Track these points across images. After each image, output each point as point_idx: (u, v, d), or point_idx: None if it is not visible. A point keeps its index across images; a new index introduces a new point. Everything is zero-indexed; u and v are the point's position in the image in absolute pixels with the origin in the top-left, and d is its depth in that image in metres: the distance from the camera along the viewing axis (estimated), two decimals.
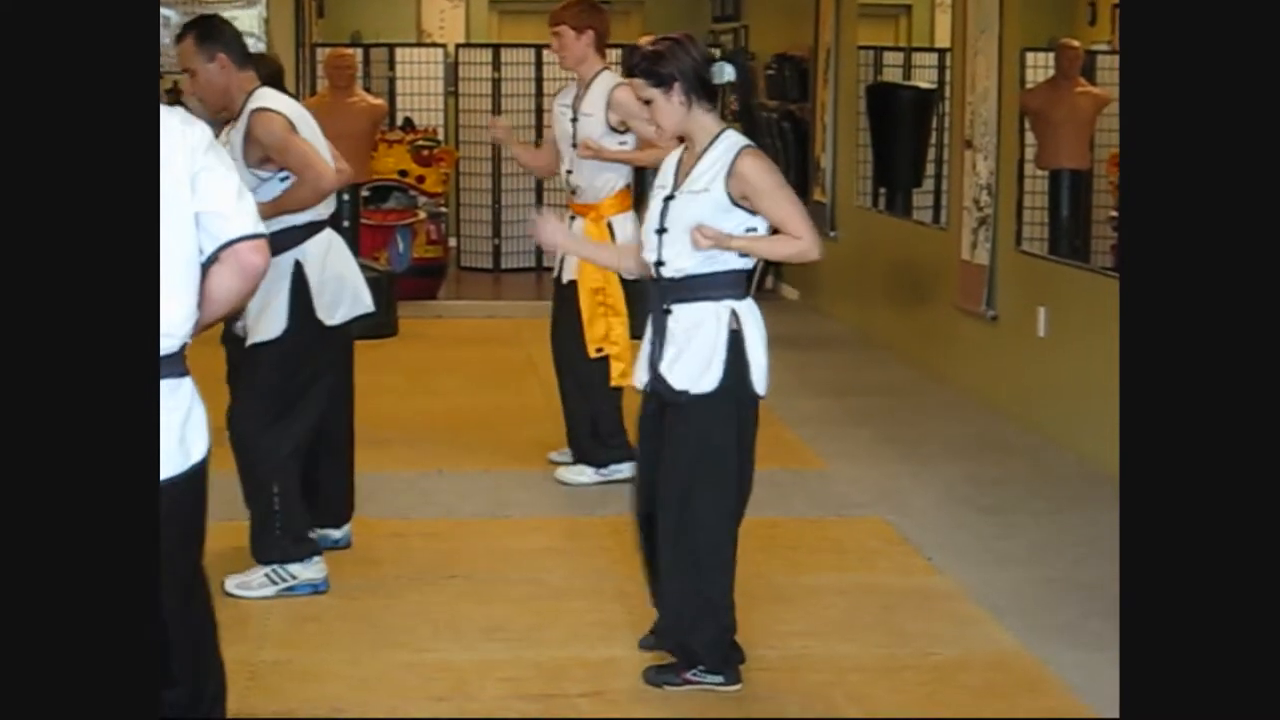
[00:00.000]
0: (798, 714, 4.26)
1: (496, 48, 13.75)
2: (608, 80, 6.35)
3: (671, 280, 4.29)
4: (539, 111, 13.41)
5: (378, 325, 8.50)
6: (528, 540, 5.77)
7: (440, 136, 13.06)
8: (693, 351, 4.24)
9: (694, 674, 4.35)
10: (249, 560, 5.15)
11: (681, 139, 4.38)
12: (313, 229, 5.12)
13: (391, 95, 13.38)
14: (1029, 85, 8.00)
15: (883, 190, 10.70)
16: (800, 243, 4.25)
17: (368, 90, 11.99)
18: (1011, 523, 6.02)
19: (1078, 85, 8.18)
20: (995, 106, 7.95)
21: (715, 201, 4.22)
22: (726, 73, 4.29)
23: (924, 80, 10.60)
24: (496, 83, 13.48)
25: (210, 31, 5.05)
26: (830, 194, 11.11)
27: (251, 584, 5.08)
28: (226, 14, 11.62)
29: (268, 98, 5.06)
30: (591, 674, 4.48)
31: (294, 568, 5.09)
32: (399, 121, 13.00)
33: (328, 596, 5.08)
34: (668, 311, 4.29)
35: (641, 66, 4.29)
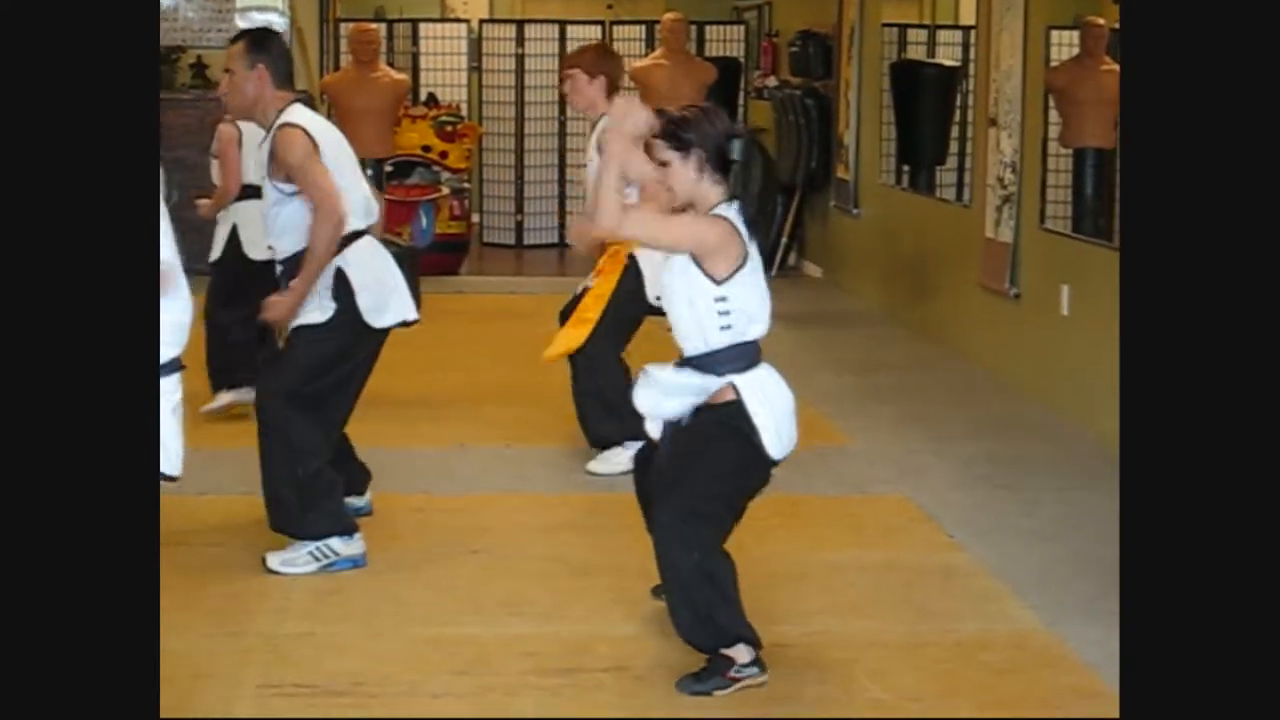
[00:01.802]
0: (817, 691, 4.27)
1: (520, 23, 13.73)
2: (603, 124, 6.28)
3: (686, 361, 4.32)
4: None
5: None
6: (549, 516, 5.79)
7: (463, 112, 13.06)
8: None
9: (735, 671, 4.22)
10: (273, 537, 5.17)
11: (685, 207, 4.37)
12: (353, 237, 5.13)
13: (415, 71, 13.40)
14: (1054, 63, 7.97)
15: (906, 168, 10.68)
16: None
17: (391, 66, 11.99)
18: (1033, 500, 6.02)
19: (1102, 64, 8.14)
20: (1020, 84, 7.92)
21: (687, 269, 4.26)
22: (735, 149, 4.32)
23: (948, 58, 10.57)
24: (520, 59, 13.48)
25: (262, 42, 5.18)
26: (854, 171, 11.09)
27: (296, 561, 5.10)
28: None
29: (297, 114, 5.09)
30: (614, 650, 4.49)
31: (335, 544, 5.10)
32: (422, 97, 13.01)
33: (350, 570, 5.10)
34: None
35: (667, 130, 4.32)
